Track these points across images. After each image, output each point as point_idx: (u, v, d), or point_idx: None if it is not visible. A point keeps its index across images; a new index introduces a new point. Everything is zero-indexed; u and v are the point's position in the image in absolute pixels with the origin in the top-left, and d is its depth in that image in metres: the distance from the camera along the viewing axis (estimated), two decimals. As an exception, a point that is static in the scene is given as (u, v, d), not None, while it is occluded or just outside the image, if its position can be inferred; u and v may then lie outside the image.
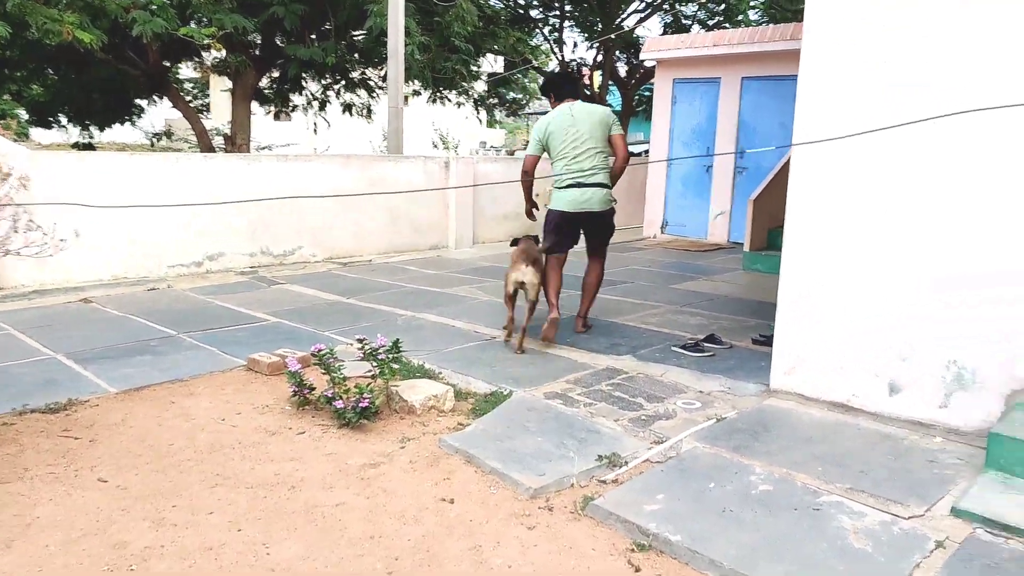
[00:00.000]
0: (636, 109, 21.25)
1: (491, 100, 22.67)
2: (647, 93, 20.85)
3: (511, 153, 31.15)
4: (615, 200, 5.62)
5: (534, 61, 20.51)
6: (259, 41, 13.34)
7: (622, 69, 20.76)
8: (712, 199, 11.13)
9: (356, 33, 13.44)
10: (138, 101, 15.80)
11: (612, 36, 17.98)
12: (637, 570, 2.61)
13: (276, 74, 14.72)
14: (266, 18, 11.41)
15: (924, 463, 3.33)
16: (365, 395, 3.79)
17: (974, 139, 3.49)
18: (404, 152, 10.82)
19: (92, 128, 16.14)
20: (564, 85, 5.74)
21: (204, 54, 13.97)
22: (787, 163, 9.12)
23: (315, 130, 16.78)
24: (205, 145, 13.62)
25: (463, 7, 12.17)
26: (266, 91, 15.45)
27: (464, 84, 15.81)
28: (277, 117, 18.66)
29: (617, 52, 19.77)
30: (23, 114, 19.11)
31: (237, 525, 2.84)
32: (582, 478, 3.27)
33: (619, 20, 19.13)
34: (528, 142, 5.83)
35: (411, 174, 9.88)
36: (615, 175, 5.57)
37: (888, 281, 3.79)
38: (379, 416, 3.92)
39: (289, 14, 11.30)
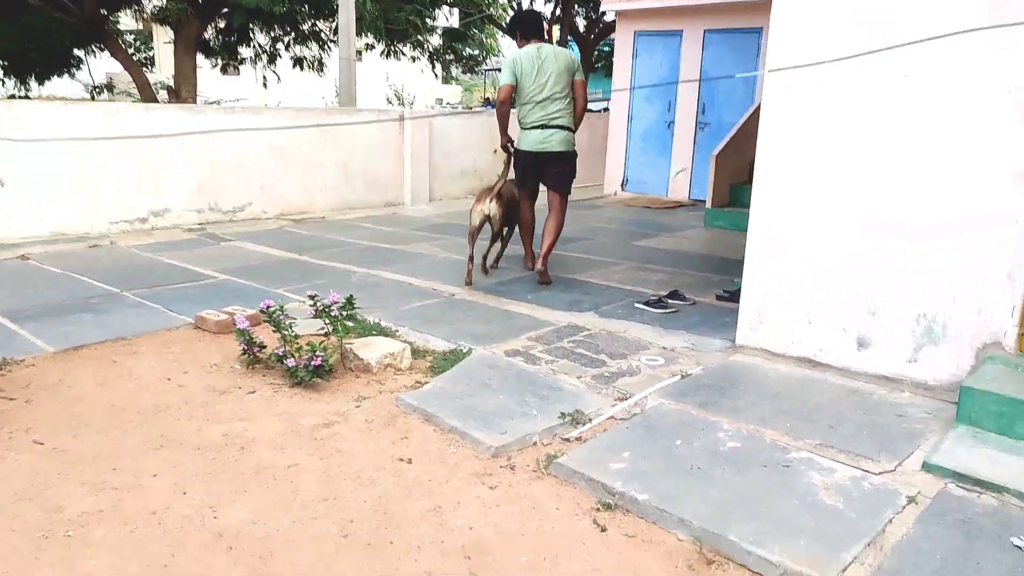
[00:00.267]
0: (595, 65, 20.99)
1: (448, 56, 22.18)
2: (607, 48, 20.60)
3: (469, 108, 30.63)
4: (575, 142, 5.83)
5: (492, 14, 20.07)
6: (201, -13, 12.71)
7: (581, 24, 20.44)
8: (673, 156, 11.03)
9: (306, -19, 12.92)
10: (77, 53, 15.07)
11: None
12: (603, 530, 2.52)
13: (223, 25, 14.10)
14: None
15: (893, 418, 3.28)
16: (318, 353, 3.62)
17: (944, 80, 3.39)
18: (357, 106, 10.47)
19: (31, 82, 15.38)
20: (531, 24, 5.86)
21: (144, 1, 13.30)
22: (750, 118, 9.10)
23: (264, 84, 16.20)
24: (148, 98, 13.00)
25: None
26: (212, 43, 14.82)
27: (419, 37, 15.36)
28: (225, 71, 17.93)
29: (576, 5, 19.44)
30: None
31: (183, 488, 2.67)
32: (545, 436, 3.16)
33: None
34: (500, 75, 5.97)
35: (365, 128, 9.57)
36: (576, 120, 5.77)
37: (858, 232, 3.70)
38: (333, 375, 3.75)
39: (232, -42, 10.77)
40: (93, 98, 19.75)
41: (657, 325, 4.63)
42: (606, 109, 16.91)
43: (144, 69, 15.88)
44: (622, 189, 11.57)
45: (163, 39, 19.19)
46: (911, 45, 3.41)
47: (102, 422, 3.18)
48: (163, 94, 16.08)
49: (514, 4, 20.11)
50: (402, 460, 2.94)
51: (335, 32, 13.24)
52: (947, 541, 2.43)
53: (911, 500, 2.65)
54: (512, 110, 5.76)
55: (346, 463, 2.90)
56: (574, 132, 5.77)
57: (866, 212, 3.67)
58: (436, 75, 26.75)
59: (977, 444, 2.98)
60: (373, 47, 15.73)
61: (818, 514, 2.55)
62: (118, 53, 12.88)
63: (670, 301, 5.10)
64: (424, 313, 4.86)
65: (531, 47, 5.64)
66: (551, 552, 2.39)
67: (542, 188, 5.92)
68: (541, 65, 5.56)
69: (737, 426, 3.21)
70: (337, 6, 10.44)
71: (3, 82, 16.41)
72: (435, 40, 18.96)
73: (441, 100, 35.61)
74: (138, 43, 20.60)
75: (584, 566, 2.33)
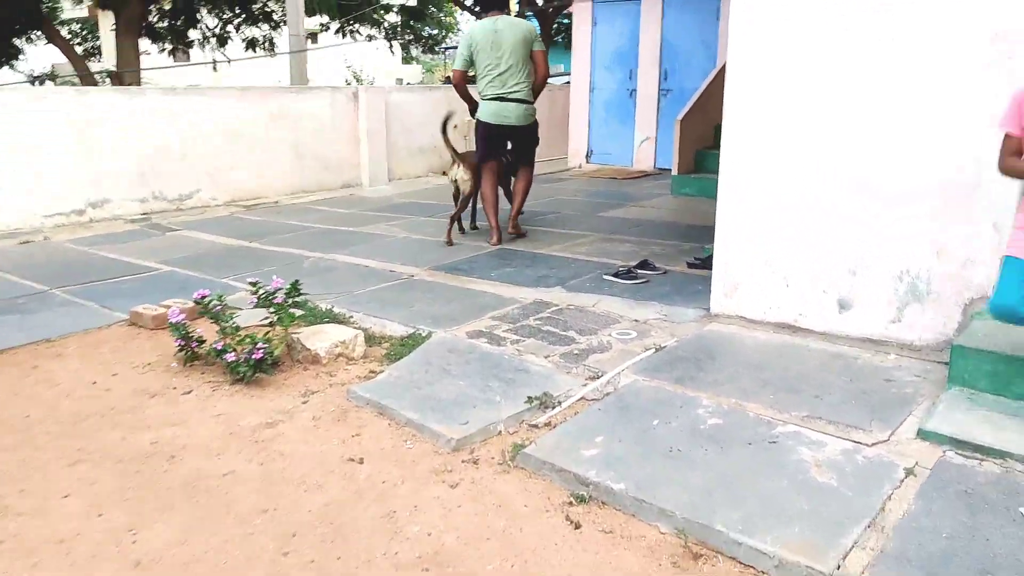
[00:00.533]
0: (555, 38, 20.60)
1: (406, 35, 21.65)
2: (566, 21, 20.20)
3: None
4: (536, 111, 5.87)
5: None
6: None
7: (539, -3, 19.99)
8: (637, 125, 10.73)
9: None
10: (16, 42, 14.43)
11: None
12: (577, 527, 2.26)
13: (167, 7, 13.54)
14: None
15: (882, 383, 3.06)
16: (260, 345, 3.31)
17: (921, 39, 3.15)
18: (309, 84, 10.04)
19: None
20: None
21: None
22: (713, 80, 8.84)
23: (215, 67, 15.66)
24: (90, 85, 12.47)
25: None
26: (158, 26, 14.24)
27: (375, 16, 14.89)
28: (172, 54, 17.30)
29: (533, -23, 18.97)
30: None
31: (99, 509, 2.36)
32: (510, 424, 2.89)
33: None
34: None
35: (317, 107, 9.15)
36: (536, 90, 5.77)
37: (835, 187, 3.46)
38: (279, 368, 3.44)
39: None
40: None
41: (627, 297, 4.38)
42: (567, 84, 16.59)
43: (93, 59, 15.27)
44: (587, 161, 11.27)
45: (109, 27, 18.54)
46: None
47: (12, 438, 2.84)
48: (107, 82, 15.48)
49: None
50: (353, 460, 2.65)
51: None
52: (951, 516, 2.21)
53: (909, 472, 2.43)
54: (471, 85, 5.76)
55: (289, 467, 2.61)
56: (533, 103, 5.78)
57: (843, 165, 3.42)
58: (394, 54, 26.18)
59: (973, 407, 2.76)
60: (327, 27, 15.23)
61: (811, 494, 2.32)
62: (55, 38, 12.33)
63: (640, 272, 4.84)
64: (381, 296, 4.56)
65: (487, 20, 5.63)
66: (520, 557, 2.13)
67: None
68: (496, 38, 5.53)
69: (717, 401, 2.97)
70: (285, -17, 9.98)
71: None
72: (392, 18, 18.46)
73: (401, 80, 35.02)
74: (85, 32, 19.91)
75: (556, 571, 2.07)
